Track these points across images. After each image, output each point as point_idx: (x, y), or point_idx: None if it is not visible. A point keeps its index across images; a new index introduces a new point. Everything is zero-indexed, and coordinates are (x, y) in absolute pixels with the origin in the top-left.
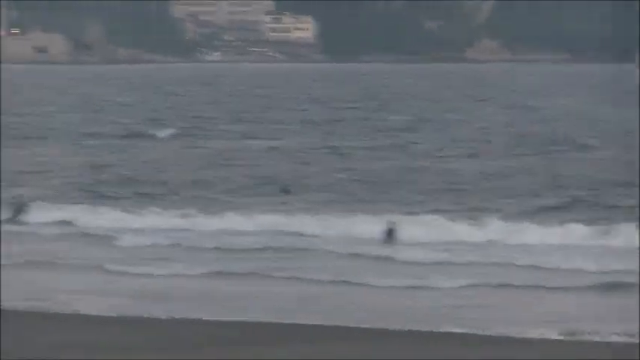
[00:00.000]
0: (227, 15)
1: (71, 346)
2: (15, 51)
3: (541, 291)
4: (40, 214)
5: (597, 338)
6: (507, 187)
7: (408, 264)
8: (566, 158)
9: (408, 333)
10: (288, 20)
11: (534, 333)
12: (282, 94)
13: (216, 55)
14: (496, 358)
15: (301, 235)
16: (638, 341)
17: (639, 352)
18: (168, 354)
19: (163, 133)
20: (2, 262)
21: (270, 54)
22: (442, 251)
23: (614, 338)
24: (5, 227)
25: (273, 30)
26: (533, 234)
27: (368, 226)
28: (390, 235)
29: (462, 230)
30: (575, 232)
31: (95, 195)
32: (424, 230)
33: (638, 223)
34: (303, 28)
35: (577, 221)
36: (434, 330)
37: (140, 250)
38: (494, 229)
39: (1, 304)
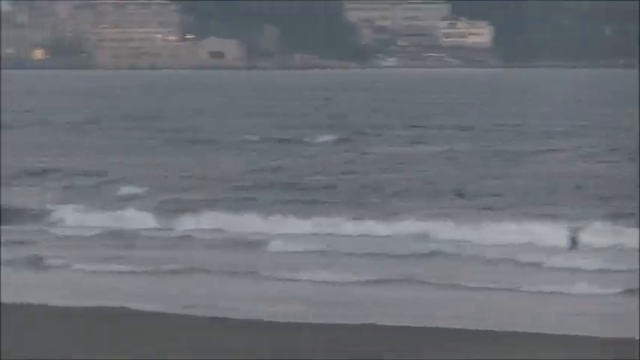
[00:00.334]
0: (402, 20)
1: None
2: (190, 57)
3: None
4: (191, 220)
5: None
6: None
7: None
8: None
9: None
10: (463, 25)
11: None
12: (456, 100)
13: (391, 61)
14: None
15: (457, 241)
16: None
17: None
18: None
19: (323, 139)
20: (160, 269)
21: (445, 59)
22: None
23: None
24: (156, 233)
25: (448, 35)
26: None
27: (548, 232)
28: (574, 241)
29: None
30: None
31: (248, 199)
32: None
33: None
34: (479, 33)
35: None
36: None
37: (293, 255)
38: None
39: (163, 310)
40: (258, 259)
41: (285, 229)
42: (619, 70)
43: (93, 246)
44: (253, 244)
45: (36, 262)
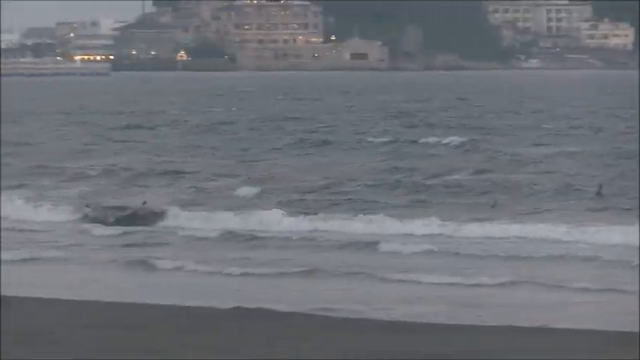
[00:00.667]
0: (545, 22)
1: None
2: (333, 58)
3: None
4: (306, 222)
5: None
6: None
7: None
8: None
9: None
10: (606, 26)
11: None
12: (593, 101)
13: (533, 62)
14: None
15: (565, 242)
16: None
17: None
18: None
19: (449, 139)
20: (282, 271)
21: (588, 61)
22: None
23: None
24: (274, 234)
25: (591, 36)
26: None
27: None
28: None
29: None
30: None
31: (367, 201)
32: None
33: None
34: (622, 35)
35: None
36: None
37: (412, 257)
38: None
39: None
40: (381, 260)
41: (406, 230)
42: None
43: (214, 247)
44: (370, 245)
45: (161, 263)
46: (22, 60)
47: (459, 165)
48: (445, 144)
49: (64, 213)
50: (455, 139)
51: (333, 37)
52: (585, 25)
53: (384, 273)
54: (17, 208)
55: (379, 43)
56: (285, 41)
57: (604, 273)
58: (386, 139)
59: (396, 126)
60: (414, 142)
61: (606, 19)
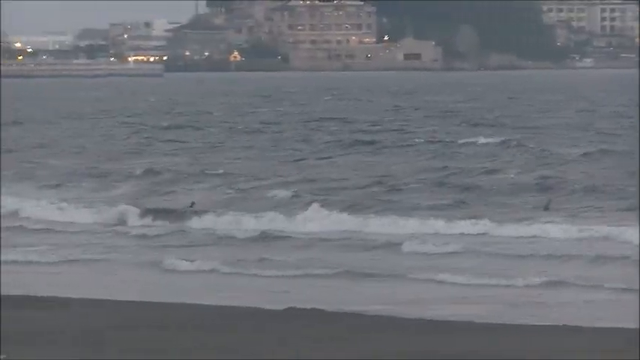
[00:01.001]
0: (599, 21)
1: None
2: (386, 59)
3: None
4: (330, 222)
5: None
6: None
7: None
8: None
9: None
10: None
11: None
12: None
13: (587, 62)
14: None
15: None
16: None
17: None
18: None
19: (486, 140)
20: (313, 273)
21: None
22: None
23: None
24: (297, 235)
25: None
26: None
27: None
28: None
29: None
30: None
31: (394, 202)
32: None
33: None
34: None
35: None
36: None
37: (450, 256)
38: None
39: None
40: (425, 260)
41: (451, 230)
42: None
43: (255, 248)
44: (393, 246)
45: (205, 265)
46: (75, 61)
47: (505, 165)
48: (491, 143)
49: (103, 214)
50: (501, 139)
51: (386, 38)
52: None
53: (428, 273)
54: (53, 209)
55: (433, 43)
56: (339, 42)
57: None
58: (431, 139)
59: (444, 125)
60: (460, 141)
61: None
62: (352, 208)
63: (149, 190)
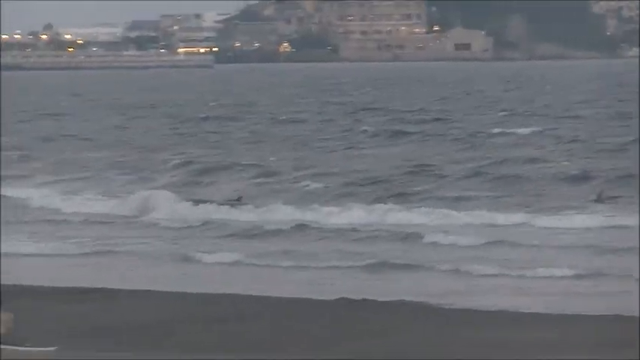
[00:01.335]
0: None
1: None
2: (436, 49)
3: None
4: (356, 214)
5: None
6: None
7: None
8: None
9: None
10: None
11: None
12: None
13: (636, 51)
14: None
15: None
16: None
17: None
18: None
19: (525, 131)
20: (342, 265)
21: None
22: None
23: None
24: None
25: None
26: None
27: None
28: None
29: None
30: None
31: (423, 192)
32: None
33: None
34: None
35: None
36: None
37: (489, 248)
38: None
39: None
40: (468, 251)
41: (491, 221)
42: None
43: (293, 240)
44: (429, 237)
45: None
46: (125, 53)
47: (546, 155)
48: (532, 133)
49: (142, 205)
50: (542, 128)
51: (436, 28)
52: None
53: (468, 264)
54: (89, 202)
55: (483, 32)
56: (388, 32)
57: None
58: (471, 129)
59: (488, 115)
60: (499, 131)
61: None
62: (386, 199)
63: (188, 181)
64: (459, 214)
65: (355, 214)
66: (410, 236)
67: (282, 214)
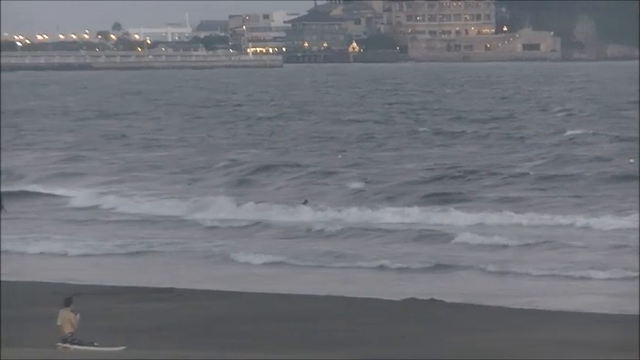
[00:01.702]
0: None
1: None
2: (505, 49)
3: None
4: (387, 214)
5: None
6: None
7: None
8: None
9: None
10: None
11: None
12: None
13: None
14: None
15: None
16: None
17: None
18: None
19: (572, 132)
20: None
21: None
22: None
23: None
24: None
25: None
26: None
27: None
28: None
29: None
30: None
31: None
32: None
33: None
34: None
35: None
36: None
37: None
38: None
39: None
40: (498, 252)
41: (524, 221)
42: None
43: (345, 242)
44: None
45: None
46: (194, 53)
47: (601, 156)
48: (583, 134)
49: (198, 206)
50: (593, 130)
51: (505, 28)
52: None
53: (518, 266)
54: (142, 202)
55: (552, 33)
56: (457, 32)
57: None
58: (533, 130)
59: (543, 116)
60: (556, 132)
61: None
62: (437, 199)
63: (237, 181)
64: (512, 215)
65: (412, 214)
66: (458, 237)
67: (328, 216)
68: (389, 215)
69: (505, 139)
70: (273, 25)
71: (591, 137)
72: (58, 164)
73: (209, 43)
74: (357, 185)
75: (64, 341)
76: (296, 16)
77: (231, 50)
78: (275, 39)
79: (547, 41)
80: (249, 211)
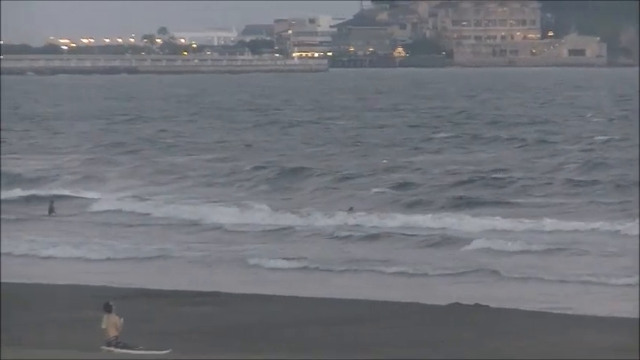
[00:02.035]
0: None
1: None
2: (551, 54)
3: None
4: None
5: None
6: None
7: None
8: None
9: None
10: None
11: None
12: None
13: None
14: None
15: None
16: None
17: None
18: None
19: (602, 138)
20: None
21: None
22: None
23: None
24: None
25: None
26: None
27: None
28: None
29: None
30: None
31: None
32: None
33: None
34: None
35: None
36: None
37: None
38: None
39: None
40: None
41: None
42: None
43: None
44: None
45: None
46: (239, 57)
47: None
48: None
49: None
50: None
51: (550, 33)
52: None
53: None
54: (180, 206)
55: (597, 38)
56: (503, 37)
57: None
58: (564, 136)
59: (581, 123)
60: (589, 137)
61: None
62: (466, 205)
63: (272, 185)
64: (546, 221)
65: (445, 219)
66: (483, 243)
67: (389, 219)
68: (421, 219)
69: (539, 144)
70: (319, 29)
71: (622, 142)
72: (89, 167)
73: (255, 48)
74: (386, 191)
75: (109, 344)
76: (342, 21)
77: (276, 55)
78: (321, 43)
79: (593, 47)
80: (284, 216)
